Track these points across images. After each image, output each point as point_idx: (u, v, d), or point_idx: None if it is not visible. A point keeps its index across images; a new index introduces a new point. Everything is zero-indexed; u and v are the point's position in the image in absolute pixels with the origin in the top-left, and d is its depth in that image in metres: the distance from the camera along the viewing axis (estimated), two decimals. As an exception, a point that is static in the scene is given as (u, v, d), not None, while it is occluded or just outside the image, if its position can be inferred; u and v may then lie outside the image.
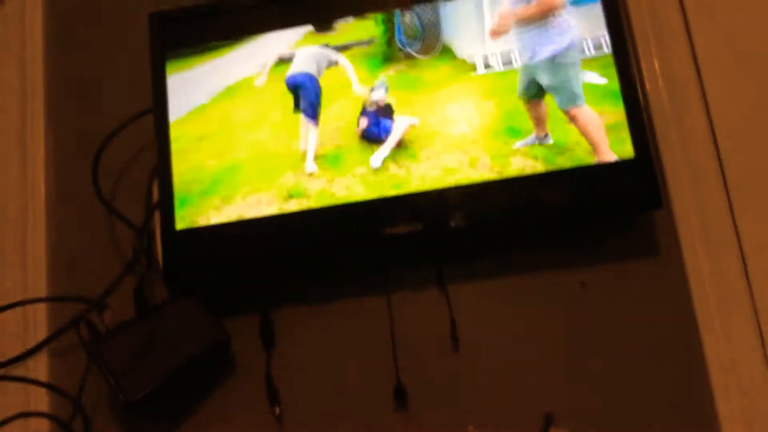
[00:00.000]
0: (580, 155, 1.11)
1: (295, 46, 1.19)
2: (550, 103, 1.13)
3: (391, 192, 1.12)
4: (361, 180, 1.13)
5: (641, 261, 1.16)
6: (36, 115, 1.32)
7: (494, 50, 1.16)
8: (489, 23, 1.16)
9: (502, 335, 1.16)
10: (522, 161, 1.11)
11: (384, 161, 1.13)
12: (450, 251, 1.18)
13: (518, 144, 1.12)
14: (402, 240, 1.12)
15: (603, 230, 1.16)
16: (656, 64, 1.21)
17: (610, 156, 1.10)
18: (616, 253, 1.16)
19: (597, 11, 1.14)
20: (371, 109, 1.16)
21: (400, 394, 1.14)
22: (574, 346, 1.14)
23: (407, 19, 1.16)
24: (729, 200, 1.17)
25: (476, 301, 1.17)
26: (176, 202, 1.14)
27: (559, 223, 1.14)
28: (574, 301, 1.15)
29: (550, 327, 1.15)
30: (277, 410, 1.15)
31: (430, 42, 1.16)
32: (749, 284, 1.14)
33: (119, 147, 1.26)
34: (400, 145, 1.14)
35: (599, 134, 1.11)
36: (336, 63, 1.18)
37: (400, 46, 1.16)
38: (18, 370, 1.17)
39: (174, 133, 1.18)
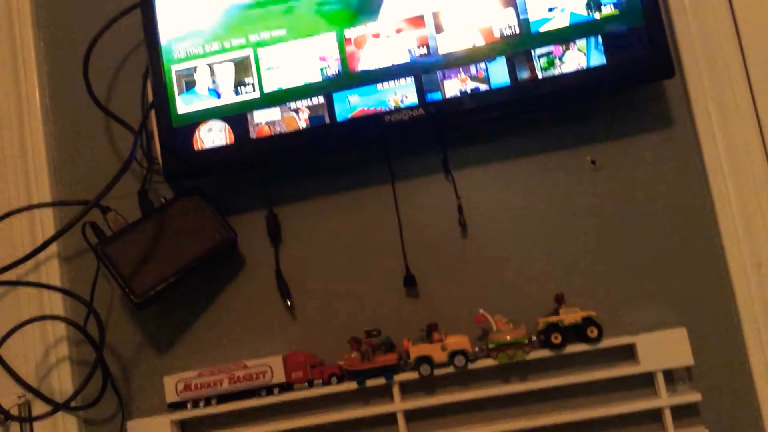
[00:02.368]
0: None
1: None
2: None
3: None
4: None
5: (653, 135, 1.12)
6: (24, 23, 1.28)
7: None
8: None
9: (510, 219, 1.14)
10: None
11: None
12: (454, 135, 1.15)
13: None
14: (405, 126, 1.09)
15: (613, 104, 1.12)
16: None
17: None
18: (626, 127, 1.12)
19: None
20: None
21: (409, 282, 1.14)
22: (584, 226, 1.12)
23: None
24: (746, 68, 1.11)
25: (483, 186, 1.15)
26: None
27: (566, 97, 1.09)
28: (584, 180, 1.13)
29: (560, 207, 1.13)
30: (289, 302, 1.16)
31: None
32: (766, 152, 1.10)
33: (110, 48, 1.23)
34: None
35: None
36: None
37: None
38: (31, 276, 1.19)
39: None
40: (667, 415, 1.05)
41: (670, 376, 1.08)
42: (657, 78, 1.07)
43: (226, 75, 1.11)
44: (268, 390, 1.11)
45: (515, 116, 1.13)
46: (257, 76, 1.11)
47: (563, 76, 1.05)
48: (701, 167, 1.10)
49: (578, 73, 1.05)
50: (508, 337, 1.07)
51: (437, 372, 1.08)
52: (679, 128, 1.12)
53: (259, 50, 1.11)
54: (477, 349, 1.10)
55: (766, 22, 1.12)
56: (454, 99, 1.07)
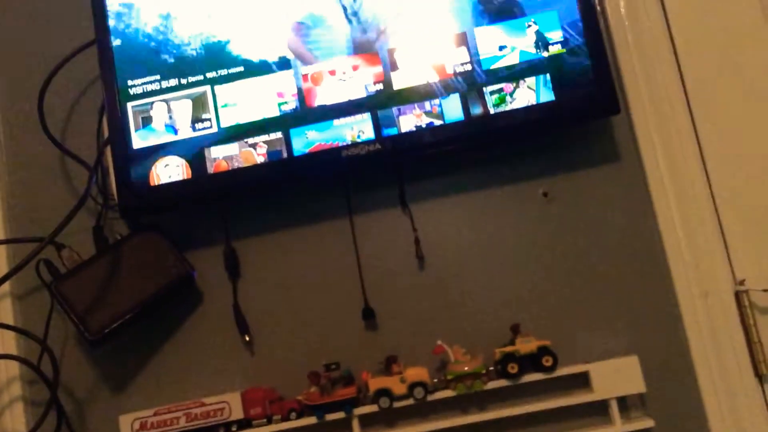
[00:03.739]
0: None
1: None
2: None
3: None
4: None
5: (601, 168, 1.15)
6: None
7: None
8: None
9: (467, 249, 1.16)
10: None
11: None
12: (411, 169, 1.17)
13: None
14: (362, 161, 1.10)
15: (562, 138, 1.16)
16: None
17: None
18: (576, 161, 1.16)
19: None
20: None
21: (368, 314, 1.14)
22: (539, 256, 1.15)
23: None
24: (688, 102, 1.16)
25: (439, 218, 1.17)
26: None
27: (517, 132, 1.12)
28: (536, 212, 1.16)
29: (515, 238, 1.15)
30: (247, 338, 1.16)
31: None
32: (710, 186, 1.14)
33: (66, 84, 1.23)
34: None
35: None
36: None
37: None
38: (-18, 315, 1.17)
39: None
40: (622, 442, 1.08)
41: (623, 403, 1.10)
42: (604, 114, 1.11)
43: (183, 111, 1.12)
44: (227, 427, 1.10)
45: (469, 150, 1.16)
46: (215, 111, 1.12)
47: (514, 112, 1.08)
48: (648, 199, 1.14)
49: (528, 109, 1.08)
50: (466, 368, 1.08)
51: (397, 404, 1.08)
52: (626, 161, 1.15)
53: (216, 87, 1.12)
54: (436, 380, 1.11)
55: (707, 58, 1.17)
56: (409, 134, 1.09)
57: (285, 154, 1.10)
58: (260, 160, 1.10)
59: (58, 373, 1.13)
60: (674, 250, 1.12)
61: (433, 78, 1.10)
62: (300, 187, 1.18)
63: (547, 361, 1.08)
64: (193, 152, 1.11)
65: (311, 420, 1.09)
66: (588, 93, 1.08)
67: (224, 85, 1.12)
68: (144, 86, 1.13)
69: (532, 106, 1.08)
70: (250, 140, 1.10)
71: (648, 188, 1.14)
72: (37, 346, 1.15)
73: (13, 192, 1.23)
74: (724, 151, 1.15)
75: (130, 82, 1.13)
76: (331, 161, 1.10)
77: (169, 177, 1.10)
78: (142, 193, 1.09)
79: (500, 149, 1.16)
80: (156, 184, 1.10)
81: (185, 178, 1.10)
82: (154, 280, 1.11)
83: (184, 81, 1.12)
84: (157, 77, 1.12)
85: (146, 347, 1.17)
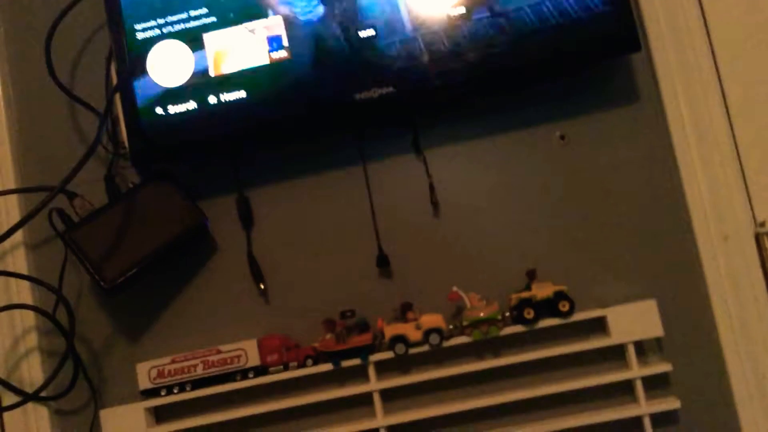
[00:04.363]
0: None
1: None
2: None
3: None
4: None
5: (620, 109, 1.13)
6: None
7: None
8: None
9: (482, 196, 1.14)
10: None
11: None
12: (425, 114, 1.15)
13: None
14: (375, 105, 1.08)
15: (580, 80, 1.13)
16: None
17: None
18: (594, 103, 1.13)
19: None
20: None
21: (383, 262, 1.14)
22: (555, 201, 1.13)
23: None
24: (710, 41, 1.13)
25: (454, 164, 1.15)
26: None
27: (535, 74, 1.09)
28: (554, 155, 1.13)
29: (531, 183, 1.14)
30: (262, 286, 1.15)
31: None
32: (731, 127, 1.12)
33: (73, 30, 1.21)
34: None
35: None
36: None
37: None
38: (-2, 265, 1.17)
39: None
40: (639, 386, 1.07)
41: (641, 348, 1.09)
42: (623, 51, 1.08)
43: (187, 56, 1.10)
44: (243, 374, 1.11)
45: (485, 94, 1.13)
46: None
47: (530, 51, 1.05)
48: (668, 140, 1.11)
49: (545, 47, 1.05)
50: (482, 314, 1.08)
51: (412, 351, 1.08)
52: (645, 102, 1.13)
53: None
54: (451, 326, 1.10)
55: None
56: (424, 77, 1.07)
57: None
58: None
59: (74, 323, 1.13)
60: (694, 193, 1.10)
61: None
62: (312, 134, 1.16)
63: (564, 306, 1.07)
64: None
65: (327, 367, 1.09)
66: (607, 29, 1.05)
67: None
68: (151, 30, 1.10)
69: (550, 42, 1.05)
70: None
71: (668, 130, 1.11)
72: (52, 296, 1.15)
73: (24, 142, 1.22)
74: (746, 91, 1.12)
75: (137, 26, 1.11)
76: (344, 106, 1.08)
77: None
78: (153, 139, 1.08)
79: (516, 92, 1.14)
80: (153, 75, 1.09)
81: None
82: (168, 229, 1.10)
83: (188, 24, 1.10)
84: (163, 20, 1.10)
85: (162, 296, 1.17)
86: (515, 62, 1.06)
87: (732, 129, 1.12)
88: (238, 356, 1.10)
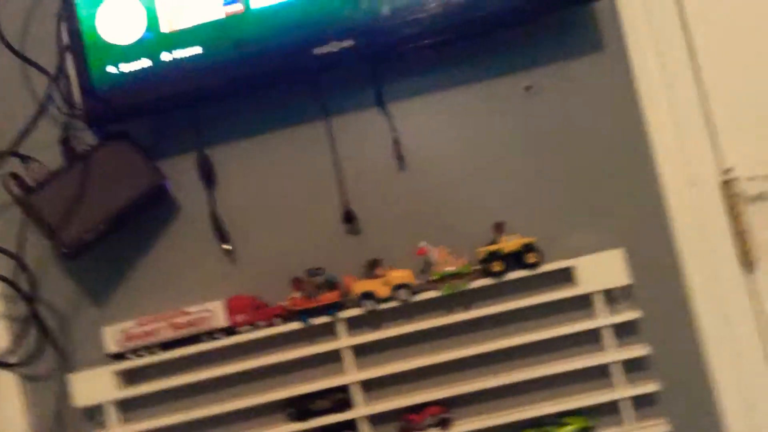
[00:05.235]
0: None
1: None
2: None
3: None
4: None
5: (585, 58, 1.11)
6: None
7: None
8: None
9: (448, 149, 1.12)
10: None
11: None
12: (387, 67, 1.12)
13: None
14: (335, 59, 1.05)
15: (545, 29, 1.10)
16: None
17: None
18: (559, 52, 1.11)
19: None
20: None
21: (349, 218, 1.12)
22: (521, 152, 1.12)
23: None
24: (677, -14, 1.11)
25: (419, 117, 1.13)
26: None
27: (498, 23, 1.06)
28: (519, 106, 1.12)
29: (497, 135, 1.12)
30: (227, 246, 1.14)
31: None
32: (698, 75, 1.10)
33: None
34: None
35: None
36: None
37: None
38: (-46, 234, 1.14)
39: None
40: (607, 335, 1.08)
41: (610, 296, 1.09)
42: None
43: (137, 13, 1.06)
44: (211, 335, 1.10)
45: (448, 44, 1.10)
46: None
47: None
48: (634, 89, 1.10)
49: None
50: (451, 268, 1.07)
51: (381, 307, 1.08)
52: (611, 50, 1.11)
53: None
54: (420, 281, 1.10)
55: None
56: (385, 28, 1.04)
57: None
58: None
59: (36, 288, 1.12)
60: (660, 141, 1.09)
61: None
62: (272, 89, 1.13)
63: (532, 258, 1.07)
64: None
65: (297, 325, 1.09)
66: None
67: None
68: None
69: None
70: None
71: (634, 78, 1.10)
72: (12, 263, 1.13)
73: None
74: (712, 38, 1.11)
75: (85, -18, 1.06)
76: (303, 60, 1.05)
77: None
78: (107, 99, 1.05)
79: (480, 42, 1.11)
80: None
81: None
82: (127, 190, 1.08)
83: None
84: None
85: (126, 258, 1.15)
86: (476, 10, 1.03)
87: (698, 75, 1.10)
88: (206, 317, 1.09)
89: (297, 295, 1.09)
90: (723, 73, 1.10)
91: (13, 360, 1.12)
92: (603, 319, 1.07)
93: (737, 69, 1.10)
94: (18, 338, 1.10)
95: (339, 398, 1.10)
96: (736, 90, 1.10)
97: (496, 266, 1.07)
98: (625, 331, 1.09)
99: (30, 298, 1.10)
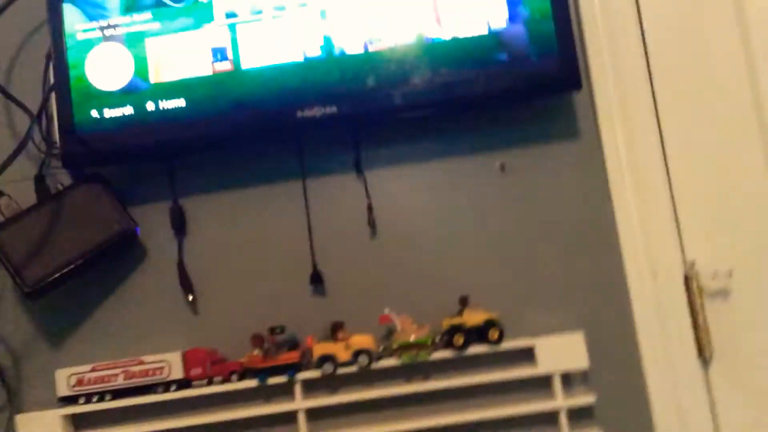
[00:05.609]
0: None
1: None
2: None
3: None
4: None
5: (560, 143, 1.14)
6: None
7: None
8: None
9: (420, 219, 1.14)
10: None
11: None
12: (368, 134, 1.14)
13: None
14: (317, 123, 1.07)
15: (523, 112, 1.14)
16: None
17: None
18: (535, 136, 1.14)
19: None
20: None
21: (316, 279, 1.13)
22: (492, 229, 1.13)
23: None
24: (652, 84, 1.15)
25: (394, 186, 1.15)
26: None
27: (479, 105, 1.10)
28: (493, 184, 1.14)
29: (469, 210, 1.14)
30: (190, 297, 1.13)
31: None
32: (667, 169, 1.14)
33: (12, 27, 1.17)
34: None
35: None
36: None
37: None
38: None
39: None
40: (563, 417, 1.08)
41: (567, 379, 1.10)
42: (565, 88, 1.10)
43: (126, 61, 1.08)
44: (166, 386, 1.08)
45: (429, 119, 1.13)
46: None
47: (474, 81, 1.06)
48: (604, 177, 1.13)
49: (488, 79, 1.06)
50: (413, 337, 1.07)
51: (341, 371, 1.07)
52: (585, 139, 1.14)
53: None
54: (381, 348, 1.10)
55: (673, 43, 1.16)
56: (369, 98, 1.06)
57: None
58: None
59: (-8, 325, 1.10)
60: (626, 229, 1.12)
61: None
62: (252, 146, 1.15)
63: (494, 335, 1.08)
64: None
65: (253, 383, 1.08)
66: (551, 68, 1.06)
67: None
68: (92, 32, 1.08)
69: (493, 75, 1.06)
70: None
71: (605, 166, 1.13)
72: (-28, 296, 1.12)
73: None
74: (683, 134, 1.15)
75: (77, 27, 1.08)
76: (286, 122, 1.07)
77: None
78: (86, 140, 1.05)
79: (459, 118, 1.14)
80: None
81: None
82: (96, 234, 1.07)
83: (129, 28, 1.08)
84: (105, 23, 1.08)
85: (86, 302, 1.14)
86: (459, 92, 1.06)
87: (667, 170, 1.14)
88: (161, 368, 1.08)
89: (256, 352, 1.08)
90: (691, 169, 1.14)
91: (-41, 396, 1.10)
92: (560, 401, 1.08)
93: (705, 167, 1.14)
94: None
95: (290, 461, 1.08)
96: (703, 187, 1.14)
97: (458, 339, 1.07)
98: (580, 415, 1.09)
99: (-16, 334, 1.09)
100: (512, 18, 1.06)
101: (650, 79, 1.15)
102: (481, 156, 1.14)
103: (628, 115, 1.13)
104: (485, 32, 1.06)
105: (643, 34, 1.16)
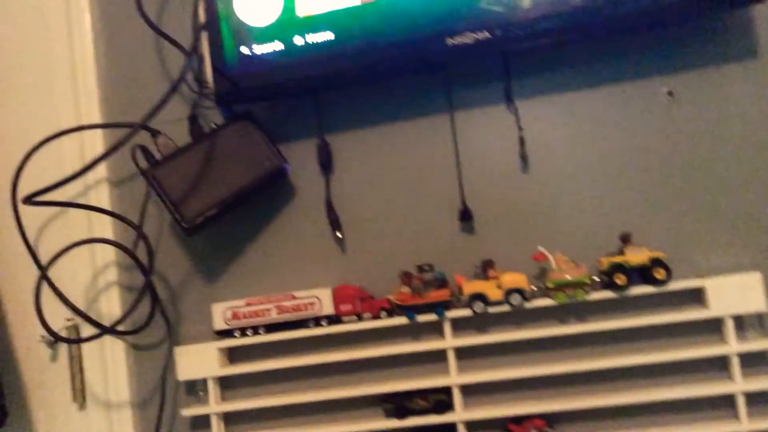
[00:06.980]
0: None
1: None
2: None
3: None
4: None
5: (737, 66, 1.03)
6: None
7: None
8: None
9: (576, 152, 1.07)
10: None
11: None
12: (519, 61, 1.08)
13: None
14: (468, 50, 1.02)
15: (694, 31, 1.04)
16: None
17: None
18: (708, 58, 1.04)
19: None
20: None
21: (465, 216, 1.09)
22: (656, 161, 1.05)
23: None
24: None
25: (548, 117, 1.08)
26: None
27: (645, 23, 1.01)
28: (658, 112, 1.05)
29: (631, 141, 1.06)
30: (339, 234, 1.13)
31: None
32: None
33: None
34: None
35: None
36: None
37: None
38: (80, 199, 1.18)
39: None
40: (734, 362, 1.00)
41: (739, 323, 1.02)
42: (743, 3, 0.98)
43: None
44: (316, 321, 1.09)
45: (587, 42, 1.05)
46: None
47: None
48: (789, 101, 1.02)
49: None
50: (569, 276, 1.02)
51: (491, 310, 1.04)
52: (765, 60, 1.03)
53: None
54: (534, 288, 1.05)
55: None
56: (522, 21, 1.00)
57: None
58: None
59: (153, 259, 1.14)
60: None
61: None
62: (399, 79, 1.11)
63: (660, 274, 1.00)
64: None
65: (402, 320, 1.06)
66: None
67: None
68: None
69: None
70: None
71: (790, 89, 1.02)
72: (132, 232, 1.16)
73: (110, 78, 1.22)
74: None
75: (226, -38, 1.07)
76: (435, 51, 1.02)
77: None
78: (237, 79, 1.05)
79: (621, 42, 1.06)
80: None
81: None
82: (248, 171, 1.08)
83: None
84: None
85: (239, 238, 1.16)
86: (624, 9, 0.97)
87: None
88: (313, 303, 1.09)
89: (405, 290, 1.06)
90: None
91: (123, 328, 1.15)
92: (733, 346, 1.00)
93: None
94: (130, 306, 1.12)
95: (439, 399, 1.07)
96: None
97: (620, 279, 1.01)
98: (752, 361, 1.01)
99: (146, 269, 1.13)
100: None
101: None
102: (646, 82, 1.05)
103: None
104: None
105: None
